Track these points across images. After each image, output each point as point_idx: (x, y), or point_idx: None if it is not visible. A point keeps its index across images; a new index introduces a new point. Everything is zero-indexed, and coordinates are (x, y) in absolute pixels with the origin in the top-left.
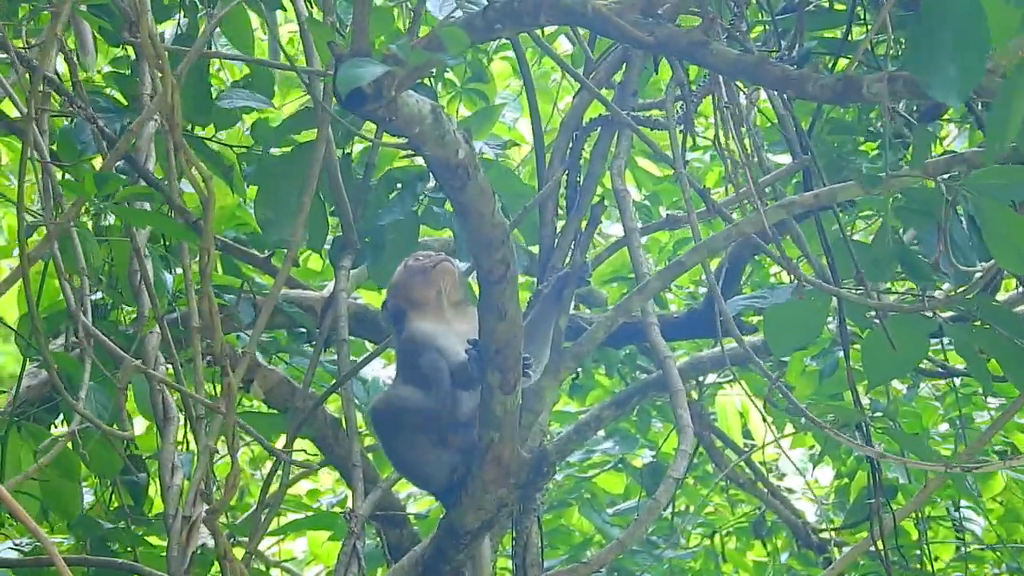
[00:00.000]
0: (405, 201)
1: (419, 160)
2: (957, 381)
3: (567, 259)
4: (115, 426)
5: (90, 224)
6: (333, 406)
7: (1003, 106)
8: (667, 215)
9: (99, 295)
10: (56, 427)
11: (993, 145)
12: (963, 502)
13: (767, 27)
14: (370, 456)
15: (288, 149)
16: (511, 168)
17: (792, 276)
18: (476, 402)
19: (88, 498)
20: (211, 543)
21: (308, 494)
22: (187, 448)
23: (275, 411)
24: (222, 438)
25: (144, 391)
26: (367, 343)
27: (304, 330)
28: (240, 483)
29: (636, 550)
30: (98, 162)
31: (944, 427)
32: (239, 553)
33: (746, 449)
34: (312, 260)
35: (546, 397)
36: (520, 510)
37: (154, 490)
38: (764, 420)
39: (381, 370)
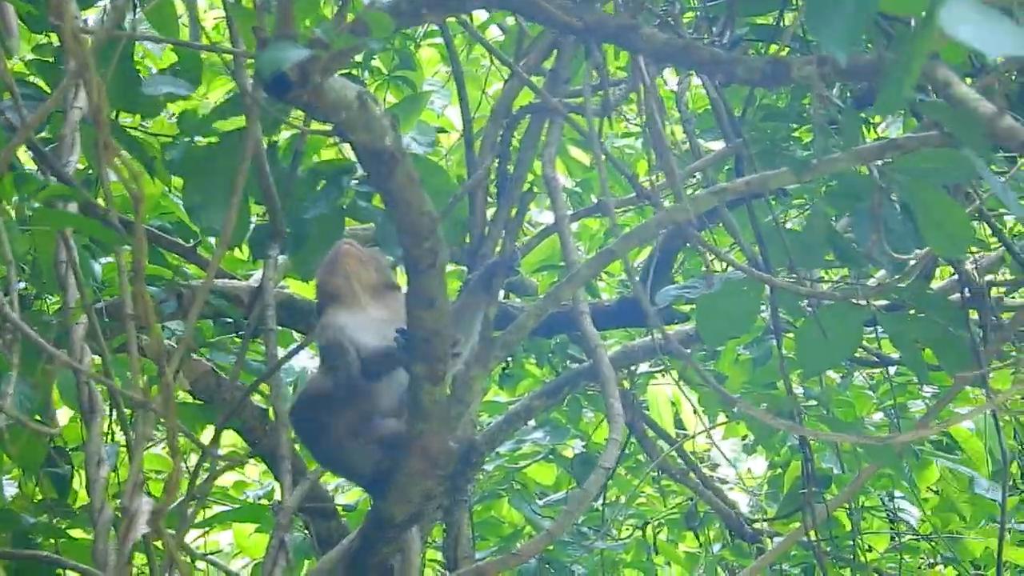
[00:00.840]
0: (330, 195)
1: (347, 153)
2: (892, 370)
3: (497, 247)
4: (40, 419)
5: (13, 213)
6: (260, 398)
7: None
8: (597, 201)
9: (22, 285)
10: None
11: (893, 90)
12: (897, 492)
13: (698, 13)
14: (298, 447)
15: (214, 139)
16: (439, 164)
17: (723, 264)
18: (400, 392)
19: (11, 491)
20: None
21: (234, 486)
22: (112, 439)
23: (200, 402)
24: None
25: (69, 382)
26: (295, 333)
27: (230, 320)
28: (176, 480)
29: (566, 541)
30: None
31: (878, 416)
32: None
33: (678, 439)
34: (238, 249)
35: (475, 387)
36: (450, 502)
37: (79, 482)
38: (695, 411)
39: (309, 361)
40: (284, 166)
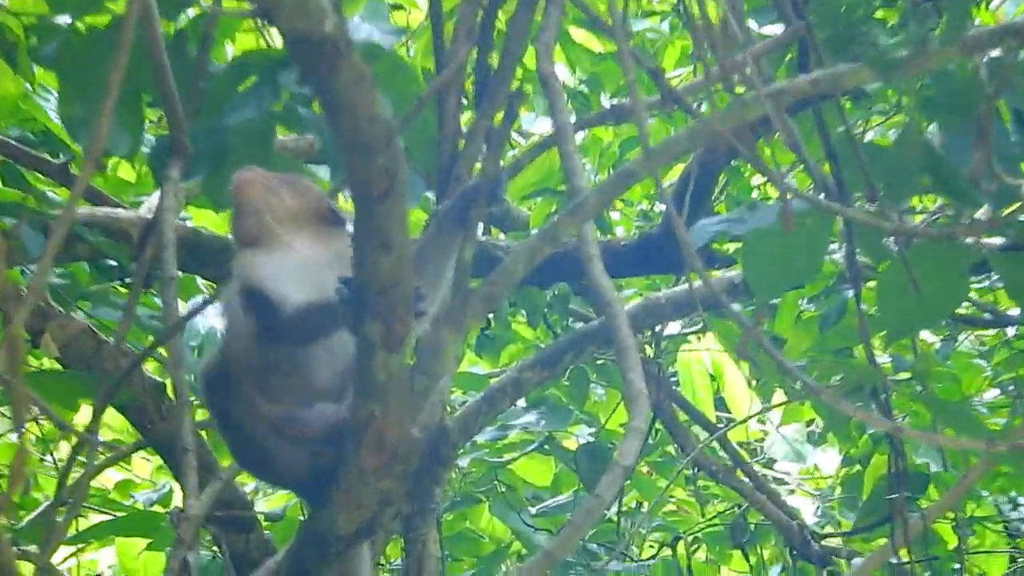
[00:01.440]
0: (261, 96)
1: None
2: (1010, 331)
3: (475, 167)
4: None
5: None
6: (154, 366)
7: None
8: (611, 105)
9: None
10: None
11: None
12: (1021, 498)
13: None
14: (205, 435)
15: (102, 22)
16: (399, 56)
17: (780, 190)
18: (344, 363)
19: None
20: None
21: (119, 487)
22: None
23: (74, 373)
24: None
25: None
26: (202, 281)
27: (115, 264)
28: (27, 472)
29: (570, 562)
30: None
31: (992, 393)
32: (27, 570)
33: (720, 425)
34: (125, 168)
35: (446, 355)
36: (412, 509)
37: None
38: (748, 385)
39: (221, 318)
40: (192, 60)
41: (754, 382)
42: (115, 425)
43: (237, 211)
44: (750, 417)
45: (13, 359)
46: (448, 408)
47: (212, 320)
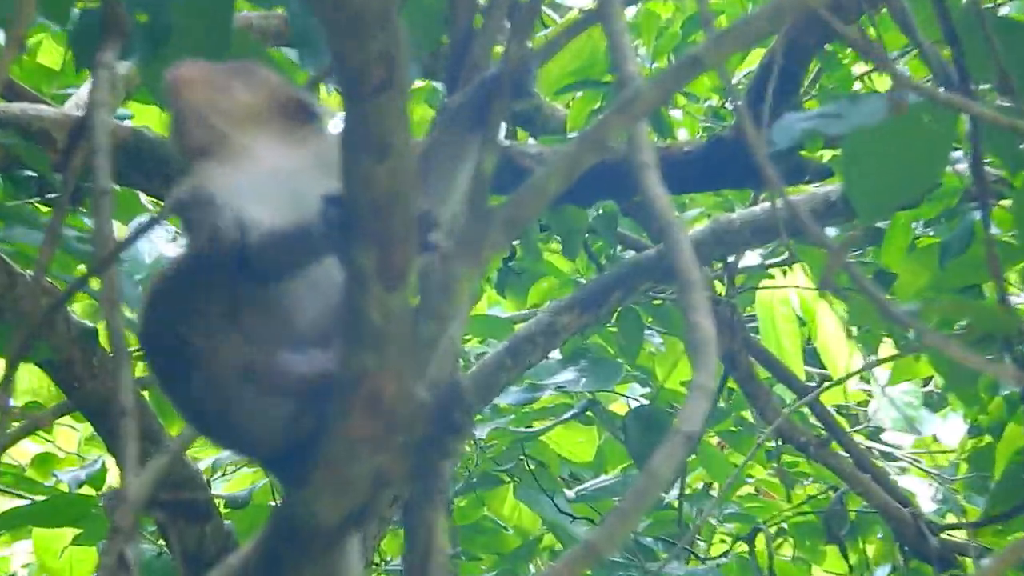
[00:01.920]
0: None
1: None
2: None
3: (496, 50)
4: None
5: None
6: (82, 307)
7: None
8: None
9: None
10: None
11: None
12: None
13: None
14: (148, 396)
15: None
16: None
17: (890, 78)
18: (328, 303)
19: None
20: None
21: (37, 463)
22: None
23: None
24: None
25: None
26: (145, 197)
27: (33, 175)
28: None
29: (618, 562)
30: None
31: None
32: None
33: (812, 385)
34: (47, 50)
35: (459, 293)
36: (415, 492)
37: None
38: (848, 334)
39: (168, 244)
40: None
41: (855, 330)
42: (32, 384)
43: (176, 119)
44: (850, 376)
45: None
46: (462, 361)
47: (160, 246)
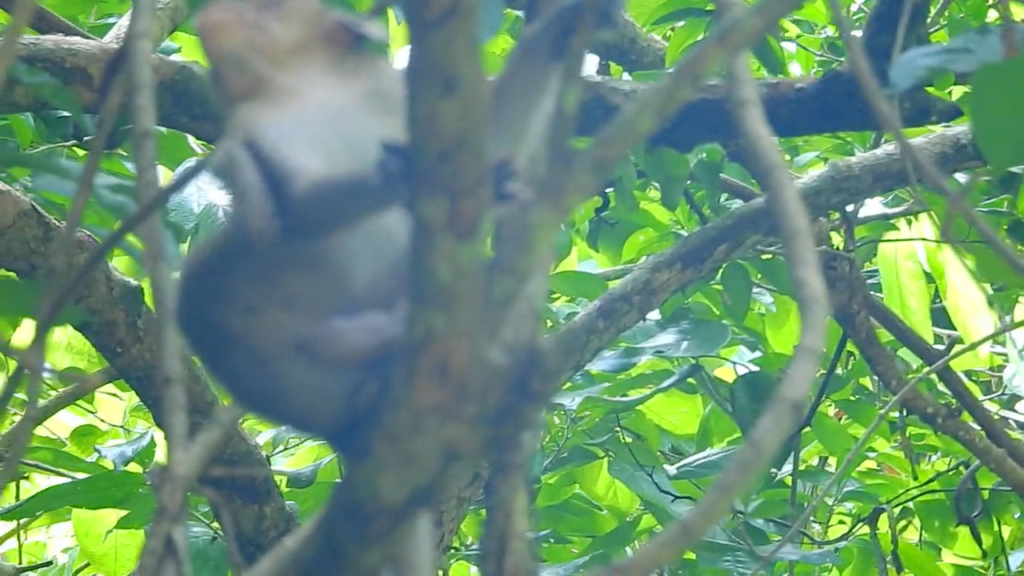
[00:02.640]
0: None
1: None
2: None
3: None
4: None
5: None
6: (125, 263)
7: None
8: None
9: None
10: None
11: None
12: None
13: None
14: (198, 361)
15: None
16: None
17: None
18: (391, 259)
19: None
20: None
21: (78, 437)
22: None
23: (10, 273)
24: None
25: None
26: (194, 140)
27: (65, 116)
28: None
29: (720, 544)
30: None
31: None
32: None
33: (941, 348)
34: None
35: (539, 245)
36: (493, 468)
37: None
38: (983, 293)
39: (219, 192)
40: None
41: (988, 287)
42: (72, 347)
43: (213, 67)
44: (984, 341)
45: None
46: (545, 322)
47: (210, 194)
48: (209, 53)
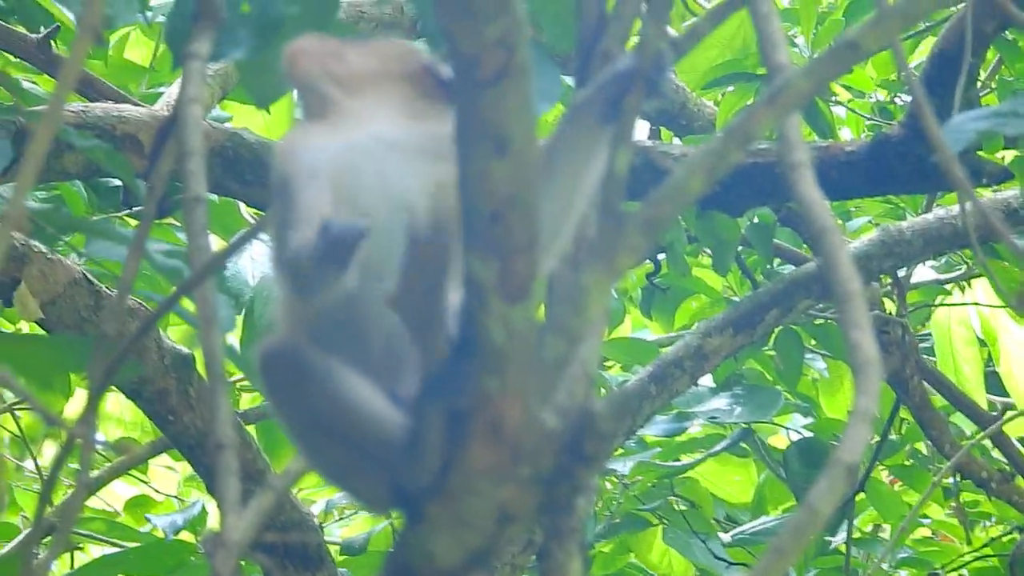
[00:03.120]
0: None
1: None
2: None
3: (631, 39)
4: None
5: None
6: (177, 331)
7: None
8: None
9: None
10: None
11: None
12: None
13: None
14: (252, 430)
15: None
16: None
17: None
18: (384, 325)
19: None
20: None
21: (131, 507)
22: None
23: (64, 340)
24: None
25: None
26: (245, 207)
27: (118, 184)
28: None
29: None
30: None
31: None
32: None
33: (995, 413)
34: (134, 43)
35: (591, 308)
36: (546, 532)
37: None
38: None
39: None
40: None
41: None
42: (124, 417)
43: (297, 96)
44: None
45: None
46: (598, 387)
47: (264, 264)
48: (290, 77)
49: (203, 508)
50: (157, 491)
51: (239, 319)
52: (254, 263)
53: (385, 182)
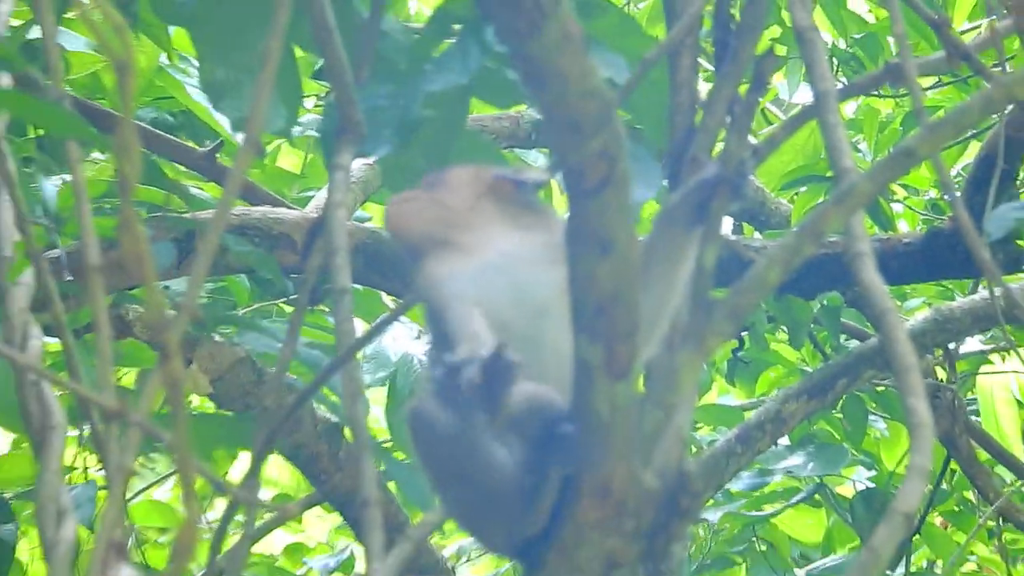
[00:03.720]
0: (468, 54)
1: None
2: None
3: (716, 148)
4: None
5: None
6: (328, 404)
7: None
8: (886, 64)
9: None
10: None
11: None
12: None
13: None
14: (393, 487)
15: None
16: (620, 9)
17: None
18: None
19: None
20: None
21: (289, 552)
22: (84, 476)
23: (226, 413)
24: (141, 459)
25: (4, 382)
26: (386, 296)
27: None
28: (193, 544)
29: None
30: None
31: None
32: None
33: None
34: (287, 155)
35: (684, 381)
36: (647, 575)
37: (29, 547)
38: None
39: (413, 342)
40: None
41: None
42: (282, 477)
43: (407, 245)
44: None
45: (178, 407)
46: (691, 448)
47: (404, 344)
48: (401, 236)
49: (351, 553)
50: (311, 538)
51: (384, 390)
52: (396, 343)
53: (521, 291)
